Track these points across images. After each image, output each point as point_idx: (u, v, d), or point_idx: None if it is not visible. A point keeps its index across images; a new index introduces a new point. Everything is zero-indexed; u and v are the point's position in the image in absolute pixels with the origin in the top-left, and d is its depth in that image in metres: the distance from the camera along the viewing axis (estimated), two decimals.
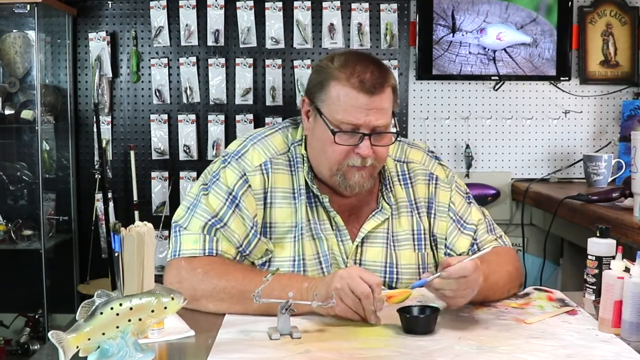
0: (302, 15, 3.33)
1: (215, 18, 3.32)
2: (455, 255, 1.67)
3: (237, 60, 3.34)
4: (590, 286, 1.53)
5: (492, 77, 3.36)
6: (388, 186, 1.69)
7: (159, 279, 1.37)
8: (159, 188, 3.37)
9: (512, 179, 3.48)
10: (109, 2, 3.34)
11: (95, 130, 3.22)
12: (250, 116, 3.35)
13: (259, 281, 1.39)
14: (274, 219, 1.61)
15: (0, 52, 3.24)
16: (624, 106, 3.38)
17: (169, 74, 3.36)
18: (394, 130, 1.61)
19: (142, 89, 3.38)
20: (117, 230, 1.18)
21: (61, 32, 3.32)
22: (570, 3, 3.35)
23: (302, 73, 3.34)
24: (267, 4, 3.31)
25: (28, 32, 3.21)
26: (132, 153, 3.29)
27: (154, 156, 3.37)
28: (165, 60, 3.35)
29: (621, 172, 3.08)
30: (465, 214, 1.72)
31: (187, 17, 3.32)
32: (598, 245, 1.51)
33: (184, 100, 3.35)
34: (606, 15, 3.44)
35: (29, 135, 3.27)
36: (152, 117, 3.37)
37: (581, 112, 3.49)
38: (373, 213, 1.66)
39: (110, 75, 3.35)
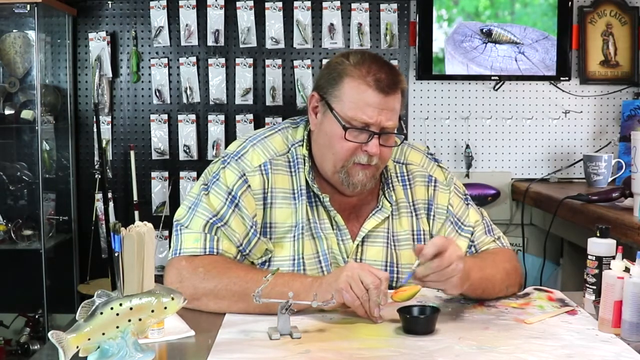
0: (302, 15, 3.33)
1: (215, 18, 3.32)
2: None
3: (237, 60, 3.34)
4: (590, 286, 1.53)
5: (492, 77, 3.36)
6: (390, 185, 1.69)
7: (159, 279, 1.37)
8: (159, 188, 3.37)
9: (512, 179, 3.48)
10: (109, 2, 3.34)
11: (95, 130, 3.22)
12: (250, 116, 3.35)
13: (260, 280, 1.40)
14: (274, 219, 1.62)
15: (0, 52, 3.24)
16: (624, 106, 3.38)
17: (169, 74, 3.36)
18: (398, 132, 1.62)
19: (142, 89, 3.38)
20: (117, 230, 1.18)
21: (61, 32, 3.32)
22: (570, 3, 3.34)
23: (302, 73, 3.34)
24: (267, 4, 3.31)
25: (28, 32, 3.20)
26: (132, 153, 3.29)
27: (154, 156, 3.37)
28: (165, 60, 3.35)
29: (621, 172, 3.08)
30: (463, 216, 1.72)
31: (187, 17, 3.31)
32: (598, 245, 1.52)
33: (184, 100, 3.35)
34: (606, 15, 3.44)
35: (29, 135, 3.26)
36: (152, 117, 3.37)
37: (581, 112, 3.48)
38: (373, 212, 1.67)
39: (110, 75, 3.34)
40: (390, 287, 1.63)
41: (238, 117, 3.35)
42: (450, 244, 1.42)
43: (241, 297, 1.47)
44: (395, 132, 1.60)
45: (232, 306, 1.49)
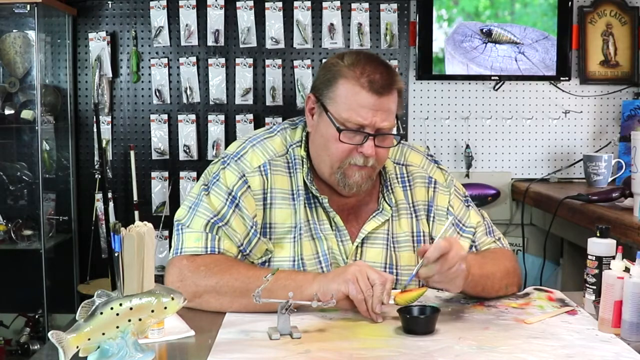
0: (302, 15, 3.33)
1: (215, 18, 3.32)
2: None
3: (237, 60, 3.34)
4: (590, 286, 1.53)
5: (492, 77, 3.36)
6: (389, 187, 1.69)
7: (159, 279, 1.37)
8: (159, 188, 3.37)
9: (512, 179, 3.48)
10: (109, 2, 3.34)
11: (95, 130, 3.22)
12: (250, 116, 3.35)
13: (261, 277, 1.40)
14: (273, 219, 1.62)
15: (0, 52, 3.24)
16: (624, 106, 3.38)
17: (169, 74, 3.36)
18: (396, 132, 1.62)
19: (142, 89, 3.38)
20: (117, 230, 1.18)
21: (61, 32, 3.32)
22: (570, 3, 3.34)
23: (302, 73, 3.34)
24: (267, 4, 3.31)
25: (28, 32, 3.20)
26: (132, 153, 3.29)
27: (154, 156, 3.37)
28: (165, 60, 3.35)
29: (621, 172, 3.08)
30: (464, 218, 1.73)
31: (187, 17, 3.31)
32: (598, 245, 1.51)
33: (184, 100, 3.35)
34: (606, 15, 3.44)
35: (29, 135, 3.26)
36: (152, 117, 3.37)
37: (581, 112, 3.48)
38: (374, 214, 1.67)
39: (110, 75, 3.35)
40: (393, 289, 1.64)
41: (238, 117, 3.35)
42: (453, 246, 1.43)
43: (242, 293, 1.47)
44: (393, 132, 1.60)
45: (233, 302, 1.49)
